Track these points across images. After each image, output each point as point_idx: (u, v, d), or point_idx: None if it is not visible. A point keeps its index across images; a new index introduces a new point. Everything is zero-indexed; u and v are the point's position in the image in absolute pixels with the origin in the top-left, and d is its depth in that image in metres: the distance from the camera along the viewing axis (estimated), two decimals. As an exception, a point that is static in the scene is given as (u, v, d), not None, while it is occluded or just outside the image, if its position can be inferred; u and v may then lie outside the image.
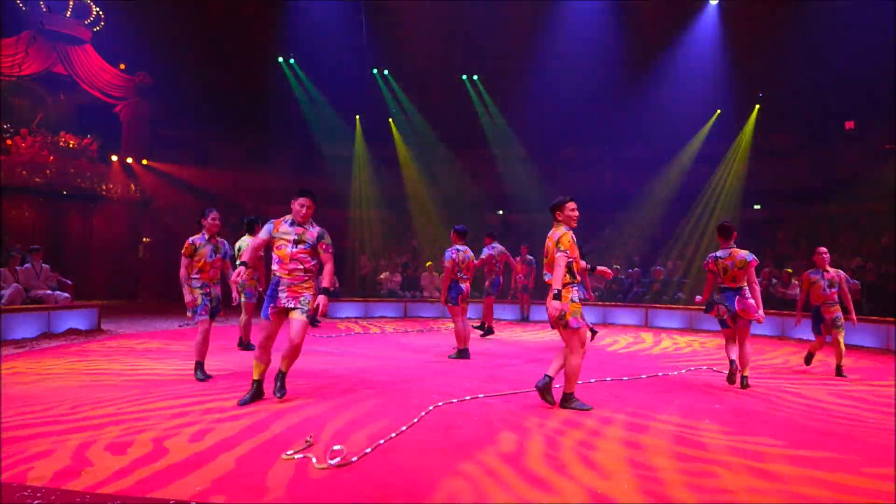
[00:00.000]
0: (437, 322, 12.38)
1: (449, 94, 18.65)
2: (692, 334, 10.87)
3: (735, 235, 5.87)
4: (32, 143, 15.36)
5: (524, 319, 12.75)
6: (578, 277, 4.75)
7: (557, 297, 4.56)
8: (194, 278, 5.72)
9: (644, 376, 6.38)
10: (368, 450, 3.51)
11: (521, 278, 12.16)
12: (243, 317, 7.66)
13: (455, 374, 6.31)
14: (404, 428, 4.03)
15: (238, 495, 2.86)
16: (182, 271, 5.69)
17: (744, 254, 5.65)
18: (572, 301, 4.63)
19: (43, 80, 15.72)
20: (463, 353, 7.32)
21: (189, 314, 5.74)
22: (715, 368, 6.95)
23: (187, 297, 5.66)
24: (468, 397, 5.04)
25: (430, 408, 4.62)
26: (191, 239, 5.76)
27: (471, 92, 18.67)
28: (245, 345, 7.70)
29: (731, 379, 5.71)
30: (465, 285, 7.20)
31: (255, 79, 17.90)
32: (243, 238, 7.56)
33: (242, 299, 7.44)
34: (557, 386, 5.06)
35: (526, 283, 12.23)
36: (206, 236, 5.81)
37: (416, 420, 4.24)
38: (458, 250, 7.18)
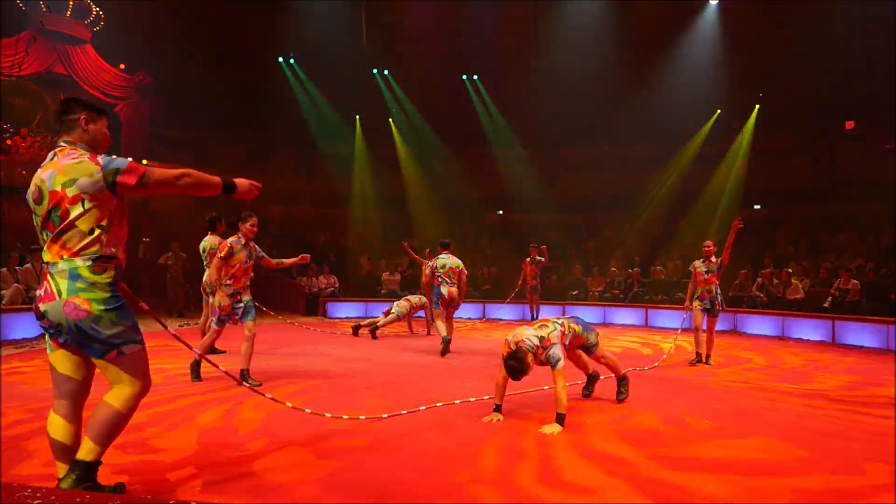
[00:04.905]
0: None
1: (449, 94, 18.64)
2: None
3: None
4: (32, 143, 15.37)
5: (533, 320, 12.77)
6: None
7: None
8: (226, 284, 5.43)
9: (644, 372, 6.39)
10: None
11: (529, 279, 12.16)
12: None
13: (456, 374, 6.32)
14: (404, 412, 4.05)
15: (238, 495, 2.87)
16: (213, 273, 5.36)
17: None
18: None
19: (43, 80, 15.72)
20: (445, 345, 7.61)
21: (213, 318, 5.51)
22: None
23: (224, 301, 5.34)
24: (472, 399, 5.02)
25: (439, 405, 4.63)
26: (229, 242, 5.42)
27: (471, 92, 18.67)
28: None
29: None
30: (445, 290, 7.65)
31: (255, 79, 17.91)
32: (207, 238, 7.09)
33: None
34: (602, 377, 5.44)
35: (535, 284, 12.23)
36: (243, 241, 5.48)
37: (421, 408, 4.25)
38: (437, 258, 7.95)
